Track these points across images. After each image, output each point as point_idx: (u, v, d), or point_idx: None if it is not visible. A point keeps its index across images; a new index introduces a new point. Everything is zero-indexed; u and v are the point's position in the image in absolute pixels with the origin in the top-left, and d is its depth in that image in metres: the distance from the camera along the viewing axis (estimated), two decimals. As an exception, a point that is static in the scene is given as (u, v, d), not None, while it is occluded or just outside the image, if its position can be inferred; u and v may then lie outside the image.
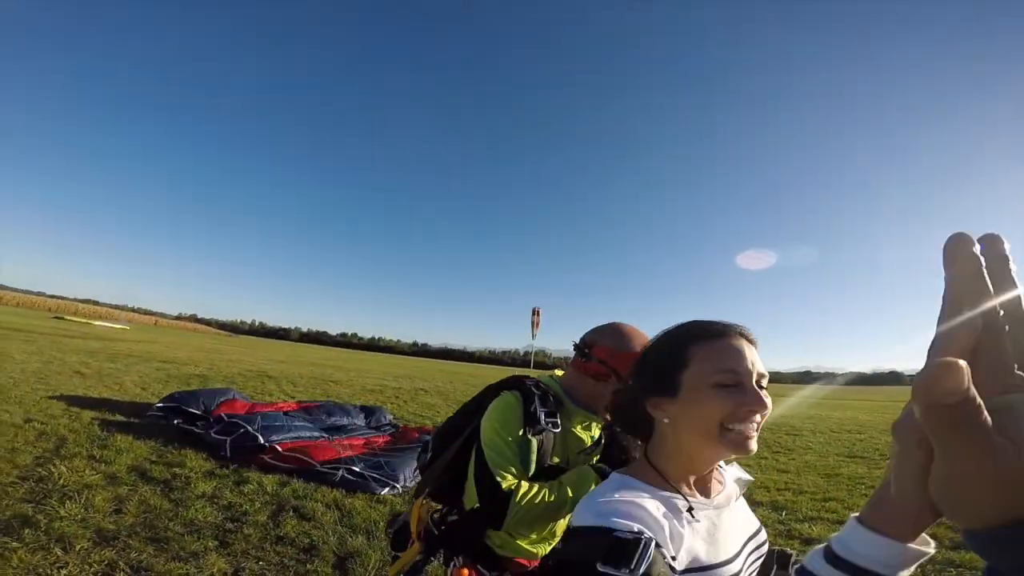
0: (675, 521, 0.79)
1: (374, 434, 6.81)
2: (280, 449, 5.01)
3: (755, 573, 0.89)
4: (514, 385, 1.46)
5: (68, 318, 46.76)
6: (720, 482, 0.93)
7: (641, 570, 0.65)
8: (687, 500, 0.83)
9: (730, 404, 0.79)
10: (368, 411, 8.15)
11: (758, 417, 0.80)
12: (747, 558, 0.87)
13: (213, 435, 5.28)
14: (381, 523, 3.69)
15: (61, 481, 3.64)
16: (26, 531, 2.82)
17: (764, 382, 0.84)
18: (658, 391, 0.86)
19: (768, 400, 0.81)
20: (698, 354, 0.83)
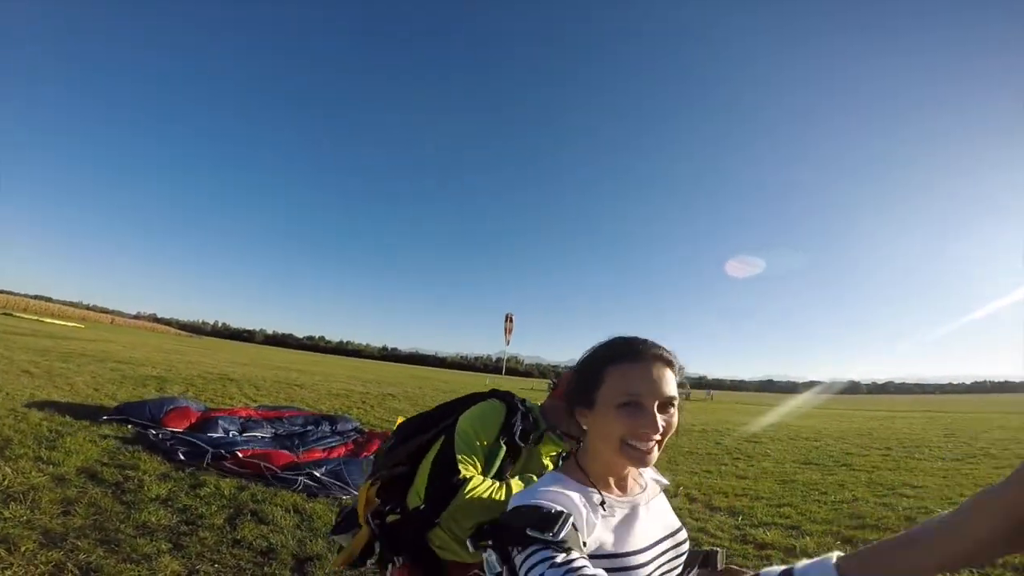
0: (590, 512, 0.93)
1: (338, 441, 6.71)
2: (240, 455, 4.93)
3: (673, 571, 1.01)
4: (503, 396, 1.54)
5: (17, 314, 44.29)
6: (638, 483, 1.07)
7: (560, 536, 0.80)
8: (601, 495, 0.96)
9: (629, 425, 0.92)
10: (331, 419, 8.02)
11: (656, 436, 0.93)
12: (661, 554, 0.98)
13: (168, 444, 5.20)
14: (343, 527, 3.70)
15: (5, 482, 3.55)
16: (-33, 533, 2.75)
17: (671, 404, 0.96)
18: (580, 403, 0.99)
19: (662, 423, 0.93)
20: (612, 374, 0.95)
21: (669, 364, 0.97)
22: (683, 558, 1.05)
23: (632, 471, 1.05)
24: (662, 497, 1.12)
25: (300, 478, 4.55)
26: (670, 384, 0.96)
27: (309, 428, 7.26)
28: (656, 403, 0.93)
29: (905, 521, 4.76)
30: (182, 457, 4.84)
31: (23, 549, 2.68)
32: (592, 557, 0.89)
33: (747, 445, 10.76)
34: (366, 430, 7.97)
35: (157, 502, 3.67)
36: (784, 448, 10.59)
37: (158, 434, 5.51)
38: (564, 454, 1.50)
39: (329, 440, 6.68)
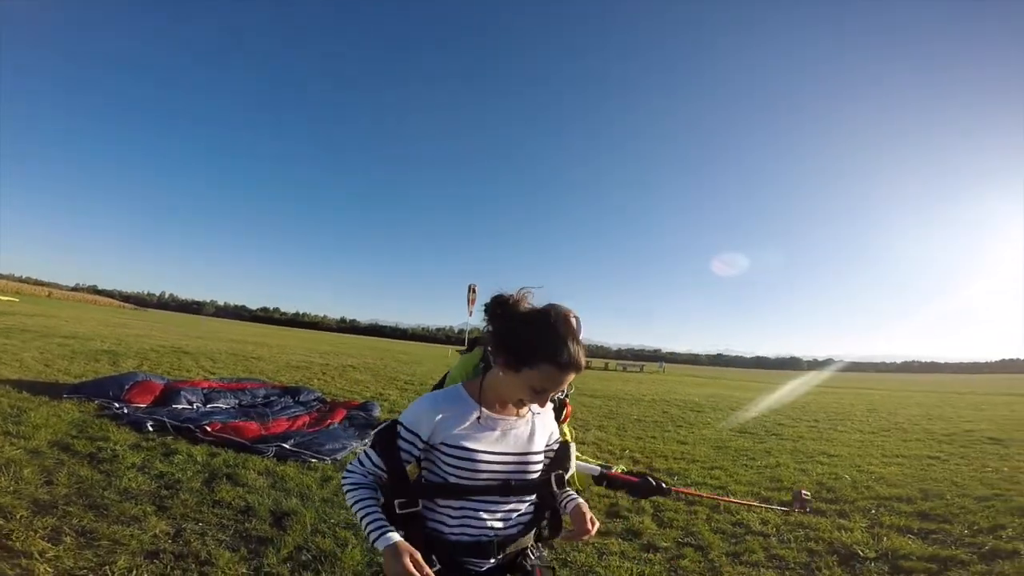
0: (463, 418, 1.37)
1: (303, 411, 6.93)
2: (209, 429, 5.08)
3: (516, 481, 1.41)
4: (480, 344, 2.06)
5: None
6: (519, 413, 1.46)
7: (379, 442, 1.35)
8: (481, 413, 1.39)
9: (531, 398, 1.35)
10: (294, 391, 8.22)
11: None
12: (506, 463, 1.39)
13: (135, 417, 5.33)
14: (314, 487, 4.03)
15: (-18, 458, 3.65)
16: (-39, 503, 2.91)
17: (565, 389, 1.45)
18: (507, 358, 1.34)
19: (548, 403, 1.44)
20: (541, 368, 1.30)
21: (581, 370, 1.35)
22: (530, 476, 1.43)
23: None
24: (539, 425, 1.49)
25: (271, 448, 4.79)
26: (570, 379, 1.36)
27: (272, 399, 7.48)
28: (556, 392, 1.36)
29: (817, 485, 5.33)
30: (150, 428, 4.98)
31: (19, 516, 2.87)
32: (449, 446, 1.35)
33: (690, 414, 11.57)
34: (328, 400, 8.22)
35: (134, 469, 3.88)
36: (723, 417, 11.44)
37: (122, 408, 5.59)
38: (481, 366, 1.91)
39: (293, 410, 6.90)
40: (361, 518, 1.30)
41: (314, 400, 7.92)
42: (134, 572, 2.44)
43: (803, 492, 4.54)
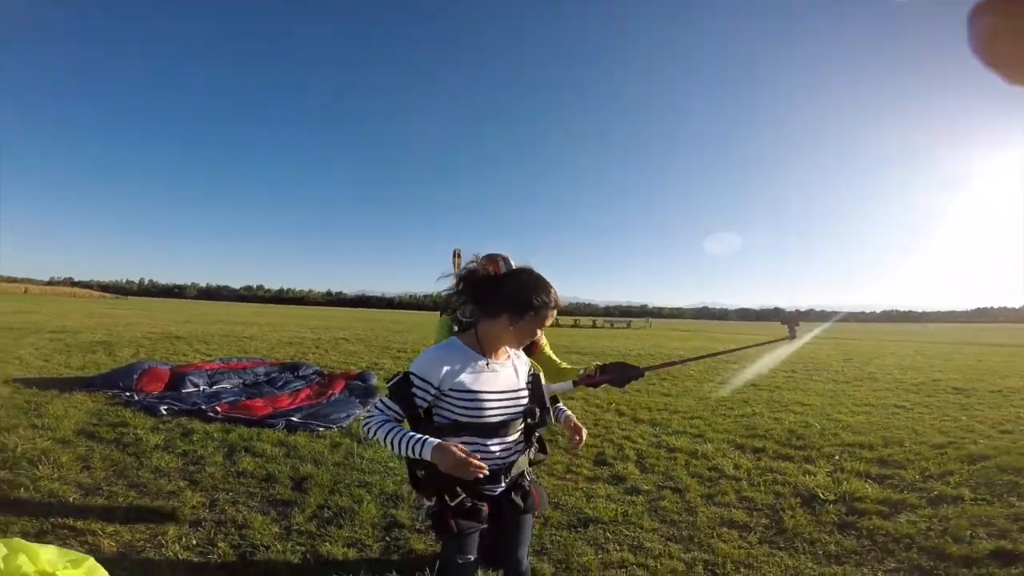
0: (464, 366, 1.71)
1: (303, 384, 7.28)
2: (220, 410, 5.38)
3: (514, 411, 1.78)
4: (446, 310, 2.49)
5: None
6: (507, 353, 1.87)
7: (395, 392, 1.66)
8: (487, 360, 1.77)
9: (530, 339, 1.77)
10: (293, 367, 8.55)
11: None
12: (506, 399, 1.76)
13: (148, 400, 5.63)
14: (325, 452, 4.40)
15: (19, 449, 3.94)
16: (19, 492, 3.22)
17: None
18: (511, 311, 1.72)
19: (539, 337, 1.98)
20: (539, 312, 1.72)
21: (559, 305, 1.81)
22: (522, 405, 1.81)
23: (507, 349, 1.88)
24: (519, 365, 1.87)
25: (280, 422, 5.12)
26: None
27: (273, 375, 7.79)
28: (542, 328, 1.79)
29: (787, 433, 5.65)
30: (164, 412, 5.27)
31: (71, 499, 3.18)
32: (457, 391, 1.67)
33: (676, 368, 11.49)
34: (326, 372, 8.58)
35: (159, 450, 4.19)
36: (706, 370, 11.57)
37: (133, 396, 5.87)
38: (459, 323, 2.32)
39: (294, 384, 7.25)
40: (399, 442, 1.59)
41: (313, 374, 8.25)
42: (184, 540, 2.75)
43: (796, 313, 4.48)
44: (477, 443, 1.71)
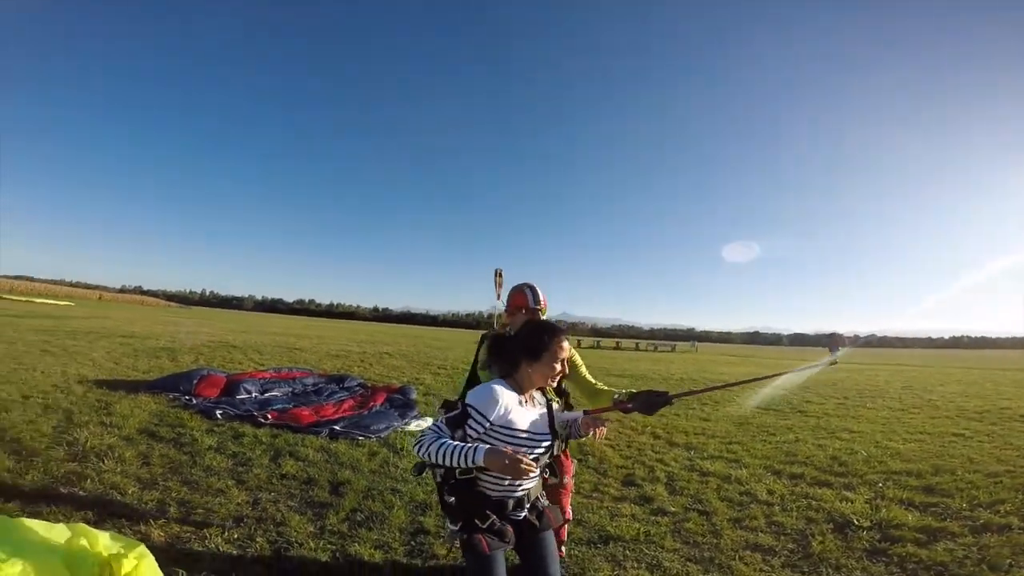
0: (512, 404, 1.95)
1: (347, 395, 7.65)
2: (270, 417, 5.74)
3: (540, 449, 2.00)
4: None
5: (6, 296, 44.22)
6: (534, 396, 2.08)
7: (448, 417, 1.90)
8: (522, 398, 1.98)
9: (552, 373, 1.97)
10: (339, 378, 8.92)
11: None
12: (535, 436, 1.97)
13: (204, 404, 6.06)
14: (363, 460, 4.62)
15: (88, 444, 4.35)
16: (86, 483, 3.57)
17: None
18: (528, 357, 1.98)
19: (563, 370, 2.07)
20: (550, 346, 1.97)
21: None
22: (547, 444, 2.02)
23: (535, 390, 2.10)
24: (547, 409, 2.09)
25: (324, 431, 5.42)
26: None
27: (320, 386, 8.17)
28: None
29: (830, 460, 5.45)
30: (219, 416, 5.66)
31: (130, 492, 3.49)
32: (503, 427, 1.90)
33: (717, 392, 11.27)
34: (369, 385, 8.89)
35: (212, 451, 4.52)
36: (751, 395, 11.08)
37: (192, 400, 6.33)
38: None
39: (339, 395, 7.62)
40: (451, 453, 1.77)
41: (356, 386, 8.59)
42: (225, 534, 2.99)
43: (844, 337, 4.10)
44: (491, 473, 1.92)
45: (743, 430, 7.22)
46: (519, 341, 2.04)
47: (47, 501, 3.22)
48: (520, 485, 1.96)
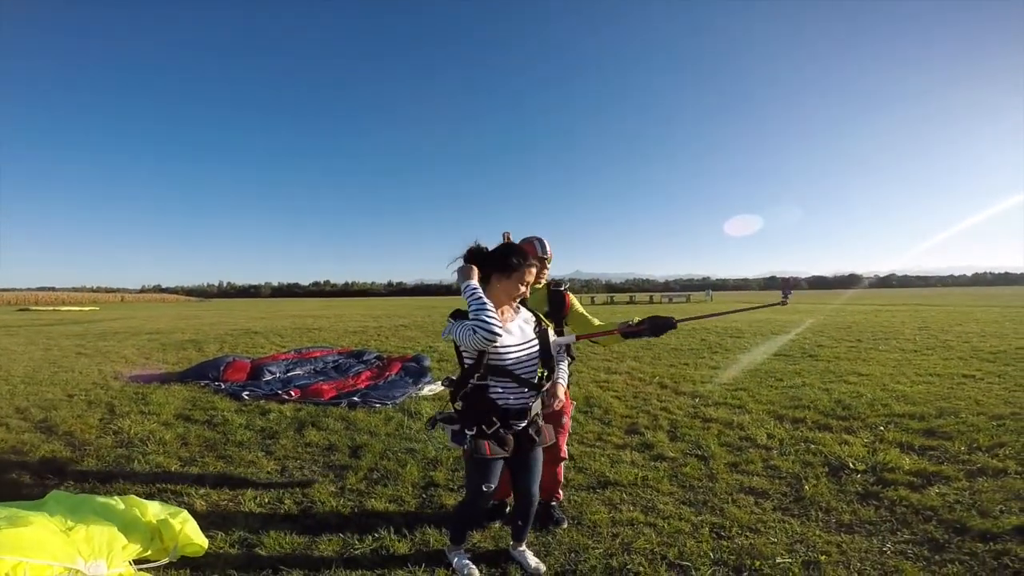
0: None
1: (364, 368, 8.06)
2: (293, 395, 6.11)
3: (530, 360, 2.25)
4: None
5: (33, 308, 45.82)
6: (513, 309, 2.33)
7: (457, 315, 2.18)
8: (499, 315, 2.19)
9: (515, 292, 2.22)
10: (357, 353, 9.34)
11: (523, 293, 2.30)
12: (522, 351, 2.23)
13: (232, 388, 6.46)
14: (380, 425, 4.98)
15: (132, 431, 4.76)
16: (134, 464, 3.97)
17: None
18: (498, 271, 2.22)
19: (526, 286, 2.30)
20: (521, 268, 2.20)
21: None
22: (534, 353, 2.26)
23: (512, 304, 2.32)
24: (524, 325, 2.32)
25: (343, 402, 5.81)
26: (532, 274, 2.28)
27: (340, 362, 8.57)
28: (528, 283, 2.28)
29: (834, 404, 5.55)
30: (246, 397, 6.05)
31: (172, 468, 3.88)
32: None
33: (729, 340, 11.56)
34: (385, 356, 9.28)
35: (242, 427, 4.91)
36: (763, 341, 11.34)
37: (220, 385, 6.75)
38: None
39: (356, 368, 8.03)
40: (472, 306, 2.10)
41: (374, 359, 8.97)
42: (258, 499, 3.31)
43: (790, 279, 3.89)
44: (502, 382, 2.19)
45: (751, 376, 7.32)
46: (495, 258, 2.25)
47: (102, 481, 3.62)
48: (524, 394, 2.23)
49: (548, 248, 3.03)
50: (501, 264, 2.22)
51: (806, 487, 3.44)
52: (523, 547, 2.58)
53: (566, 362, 2.58)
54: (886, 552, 2.65)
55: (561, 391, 2.42)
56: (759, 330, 13.83)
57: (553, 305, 2.95)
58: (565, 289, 3.03)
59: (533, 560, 2.51)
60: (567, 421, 3.05)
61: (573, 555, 2.65)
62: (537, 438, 2.32)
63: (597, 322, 2.92)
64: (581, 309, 3.00)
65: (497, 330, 1.99)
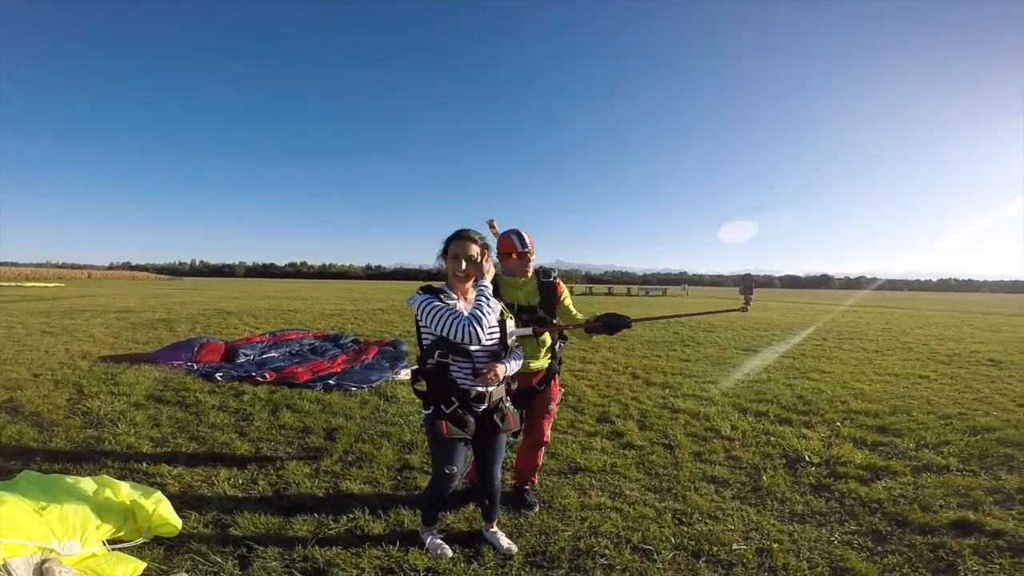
0: (448, 300, 2.35)
1: (339, 352, 8.01)
2: (268, 376, 6.08)
3: (494, 343, 2.34)
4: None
5: None
6: (469, 299, 2.43)
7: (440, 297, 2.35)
8: (459, 299, 2.34)
9: (455, 268, 2.32)
10: (333, 337, 9.30)
11: (464, 271, 2.35)
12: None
13: (205, 369, 6.40)
14: (355, 408, 5.03)
15: (101, 412, 4.70)
16: (104, 444, 3.93)
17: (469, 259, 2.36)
18: (443, 255, 2.36)
19: (464, 266, 2.36)
20: (450, 247, 2.34)
21: (473, 240, 2.34)
22: (494, 338, 2.33)
23: (468, 291, 2.41)
24: (495, 308, 2.37)
25: (319, 385, 5.81)
26: (471, 249, 2.33)
27: (316, 345, 8.53)
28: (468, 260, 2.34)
29: (796, 399, 5.81)
30: (219, 379, 6.00)
31: (144, 450, 3.86)
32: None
33: (701, 334, 11.88)
34: (362, 340, 9.26)
35: (215, 409, 4.89)
36: (733, 336, 11.72)
37: (193, 366, 6.67)
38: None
39: (332, 351, 8.00)
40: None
41: (350, 343, 8.94)
42: (232, 480, 3.34)
43: (751, 281, 3.59)
44: (460, 361, 2.27)
45: (719, 369, 7.62)
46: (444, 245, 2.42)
47: (72, 462, 3.58)
48: (485, 383, 2.31)
49: (528, 240, 2.93)
50: (444, 249, 2.40)
51: (764, 478, 3.63)
52: (495, 528, 2.68)
53: (520, 355, 2.58)
54: (833, 542, 2.83)
55: (500, 371, 2.33)
56: (731, 325, 14.18)
57: (545, 295, 2.96)
58: (555, 278, 3.03)
59: (505, 541, 2.61)
60: (553, 407, 3.12)
61: (543, 537, 2.76)
62: (501, 424, 2.39)
63: (581, 317, 3.00)
64: (569, 303, 3.05)
65: (483, 341, 2.19)
